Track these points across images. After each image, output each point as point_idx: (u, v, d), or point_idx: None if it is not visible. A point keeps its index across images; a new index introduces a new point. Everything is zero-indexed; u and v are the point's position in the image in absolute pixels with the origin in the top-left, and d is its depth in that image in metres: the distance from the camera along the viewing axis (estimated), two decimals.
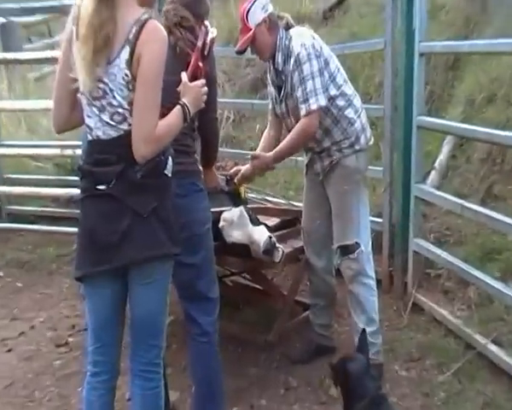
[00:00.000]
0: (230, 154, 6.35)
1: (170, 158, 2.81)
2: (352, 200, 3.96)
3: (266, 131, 4.23)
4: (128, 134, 2.65)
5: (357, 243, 4.00)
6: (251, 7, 3.81)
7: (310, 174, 4.18)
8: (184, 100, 2.81)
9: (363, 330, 3.32)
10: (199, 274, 3.35)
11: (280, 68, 3.86)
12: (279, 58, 3.84)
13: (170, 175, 2.80)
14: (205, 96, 2.91)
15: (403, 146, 4.94)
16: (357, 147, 3.95)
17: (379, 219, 5.20)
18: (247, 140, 7.39)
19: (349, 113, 3.92)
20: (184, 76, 2.91)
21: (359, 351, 3.16)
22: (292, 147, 3.87)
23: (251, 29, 3.80)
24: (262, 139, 4.23)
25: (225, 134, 7.40)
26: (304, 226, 4.31)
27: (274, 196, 5.57)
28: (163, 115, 2.68)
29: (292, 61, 3.76)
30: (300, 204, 4.53)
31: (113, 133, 2.70)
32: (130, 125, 2.66)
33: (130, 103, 2.64)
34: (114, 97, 2.66)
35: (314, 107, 3.75)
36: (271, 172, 5.11)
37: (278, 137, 4.15)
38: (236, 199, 4.13)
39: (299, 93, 3.76)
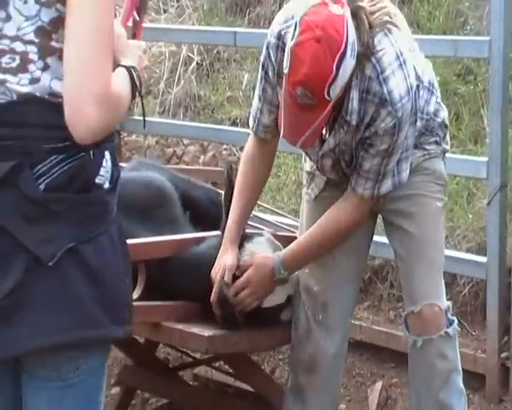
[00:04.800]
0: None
1: (107, 153, 1.80)
2: (440, 226, 2.76)
3: (246, 163, 2.81)
4: (28, 100, 1.68)
5: (449, 308, 2.71)
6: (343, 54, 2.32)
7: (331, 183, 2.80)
8: (126, 62, 1.83)
9: None
10: None
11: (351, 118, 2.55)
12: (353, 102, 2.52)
13: (107, 186, 1.80)
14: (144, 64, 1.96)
15: None
16: (445, 146, 2.85)
17: (479, 259, 3.47)
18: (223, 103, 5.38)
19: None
20: (119, 24, 1.90)
21: None
22: (326, 242, 2.65)
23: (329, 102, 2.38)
24: (239, 178, 2.81)
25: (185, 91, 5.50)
26: (317, 289, 2.77)
27: (276, 212, 3.64)
28: None
29: (384, 115, 2.48)
30: None
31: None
32: (34, 80, 1.69)
33: (45, 33, 1.68)
34: (9, 18, 1.68)
35: (383, 191, 2.63)
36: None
37: (266, 177, 2.92)
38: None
39: (369, 166, 2.57)
